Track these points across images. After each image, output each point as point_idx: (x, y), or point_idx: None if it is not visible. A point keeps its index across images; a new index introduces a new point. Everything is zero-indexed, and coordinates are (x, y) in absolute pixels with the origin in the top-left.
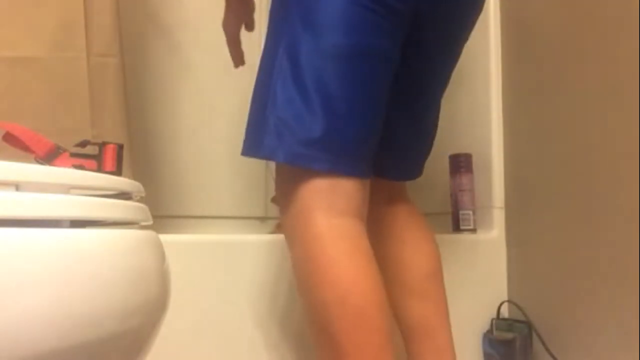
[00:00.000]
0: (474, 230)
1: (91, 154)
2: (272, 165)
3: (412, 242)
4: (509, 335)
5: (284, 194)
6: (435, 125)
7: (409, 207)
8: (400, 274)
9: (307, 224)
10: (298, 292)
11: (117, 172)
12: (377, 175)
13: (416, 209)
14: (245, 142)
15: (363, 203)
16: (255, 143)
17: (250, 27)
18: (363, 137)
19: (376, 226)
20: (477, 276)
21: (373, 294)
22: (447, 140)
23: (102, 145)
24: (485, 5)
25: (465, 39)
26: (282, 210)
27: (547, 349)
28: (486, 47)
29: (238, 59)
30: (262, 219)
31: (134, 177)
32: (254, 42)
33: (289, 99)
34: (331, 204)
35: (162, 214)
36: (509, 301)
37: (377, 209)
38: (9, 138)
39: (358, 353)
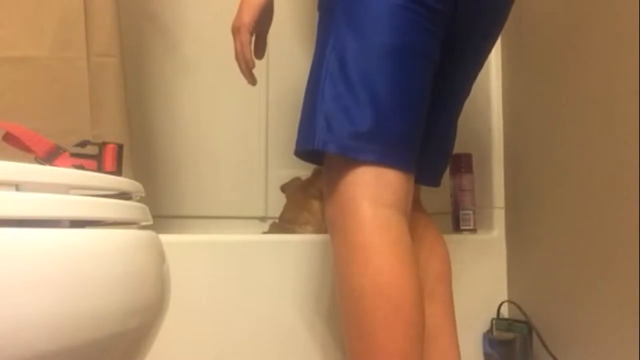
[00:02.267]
0: (474, 230)
1: (91, 154)
2: (272, 166)
3: (428, 244)
4: (509, 335)
5: (331, 184)
6: (455, 137)
7: (424, 210)
8: None
9: (352, 212)
10: (336, 280)
11: (117, 172)
12: None
13: (427, 212)
14: (298, 139)
15: (407, 197)
16: (308, 137)
17: (261, 46)
18: (408, 130)
19: None
20: (477, 276)
21: (411, 288)
22: None
23: (102, 145)
24: None
25: (490, 48)
26: (327, 199)
27: (547, 349)
28: None
29: (250, 73)
30: (262, 219)
31: (134, 177)
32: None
33: (337, 95)
34: (376, 195)
35: (162, 214)
36: (509, 301)
37: None
38: (9, 138)
39: (391, 344)
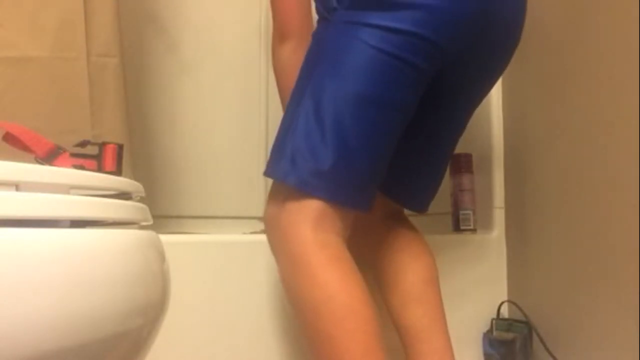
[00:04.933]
0: (474, 230)
1: (91, 154)
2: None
3: (411, 252)
4: (509, 335)
5: (276, 207)
6: (445, 169)
7: (407, 222)
8: (400, 281)
9: (293, 235)
10: (288, 298)
11: (117, 172)
12: (388, 196)
13: (413, 225)
14: (267, 163)
15: (346, 226)
16: (273, 165)
17: None
18: (365, 177)
19: (380, 237)
20: (477, 276)
21: (359, 292)
22: None
23: (102, 145)
24: None
25: (486, 93)
26: (269, 221)
27: (547, 349)
28: None
29: None
30: (262, 219)
31: (134, 177)
32: (255, 45)
33: (308, 133)
34: (317, 222)
35: (162, 214)
36: (509, 301)
37: (381, 223)
38: (9, 138)
39: (352, 344)
